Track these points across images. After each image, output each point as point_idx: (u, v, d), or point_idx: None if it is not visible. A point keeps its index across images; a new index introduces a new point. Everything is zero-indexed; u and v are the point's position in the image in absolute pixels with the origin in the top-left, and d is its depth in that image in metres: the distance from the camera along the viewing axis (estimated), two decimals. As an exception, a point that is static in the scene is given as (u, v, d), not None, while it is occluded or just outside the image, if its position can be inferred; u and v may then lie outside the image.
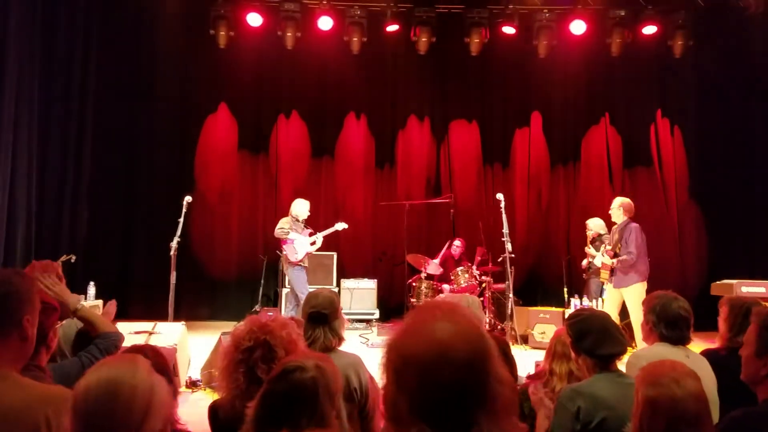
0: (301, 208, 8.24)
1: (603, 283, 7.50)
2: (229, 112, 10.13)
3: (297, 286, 8.05)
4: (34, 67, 8.30)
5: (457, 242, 9.40)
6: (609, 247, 7.20)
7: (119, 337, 2.68)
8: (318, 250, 8.43)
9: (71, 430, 1.42)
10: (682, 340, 2.96)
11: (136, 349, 2.33)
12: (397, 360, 1.18)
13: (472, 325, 1.20)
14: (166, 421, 1.51)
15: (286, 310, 8.22)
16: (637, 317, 6.72)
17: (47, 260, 3.53)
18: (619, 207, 7.23)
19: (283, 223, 8.14)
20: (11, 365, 1.79)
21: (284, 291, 8.84)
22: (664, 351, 2.84)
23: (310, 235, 8.19)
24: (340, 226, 8.54)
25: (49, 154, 8.63)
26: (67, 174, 8.92)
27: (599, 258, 7.32)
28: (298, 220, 8.18)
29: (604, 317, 2.78)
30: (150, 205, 9.55)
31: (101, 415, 1.41)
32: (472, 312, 1.27)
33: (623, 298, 6.95)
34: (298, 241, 8.06)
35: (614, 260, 6.99)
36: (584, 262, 8.12)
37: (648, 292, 3.00)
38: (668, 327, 2.96)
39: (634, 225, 7.07)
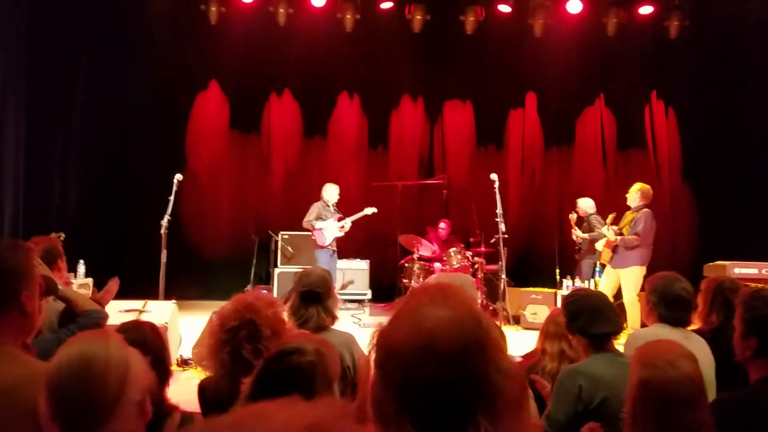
0: (331, 193, 8.36)
1: (596, 264, 7.52)
2: (220, 89, 10.01)
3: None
4: (21, 42, 8.14)
5: (442, 224, 9.39)
6: (615, 227, 7.21)
7: (102, 315, 2.64)
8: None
9: (46, 407, 1.41)
10: (682, 322, 2.95)
11: (135, 324, 2.30)
12: (379, 353, 1.05)
13: (466, 308, 1.06)
14: (144, 393, 1.49)
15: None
16: (630, 299, 6.74)
17: (48, 236, 3.47)
18: (638, 191, 7.25)
19: (311, 212, 8.24)
20: (13, 341, 1.77)
21: (276, 271, 8.80)
22: (663, 332, 2.83)
23: (339, 219, 8.27)
24: (369, 210, 8.51)
25: (37, 130, 8.50)
26: (55, 152, 8.81)
27: (605, 231, 7.28)
28: (328, 205, 8.31)
29: (599, 297, 2.78)
30: (140, 183, 9.43)
31: (75, 391, 1.39)
32: (468, 293, 1.13)
33: (620, 280, 6.98)
34: (327, 227, 8.18)
35: (618, 237, 7.02)
36: (577, 236, 8.05)
37: (646, 276, 2.99)
38: (668, 307, 2.94)
39: (647, 211, 7.10)
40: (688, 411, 1.76)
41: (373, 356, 1.06)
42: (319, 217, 8.20)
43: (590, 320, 2.57)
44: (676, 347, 1.91)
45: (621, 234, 7.06)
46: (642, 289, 7.12)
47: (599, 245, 7.44)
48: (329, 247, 8.19)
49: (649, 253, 6.99)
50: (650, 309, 3.02)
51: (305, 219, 8.25)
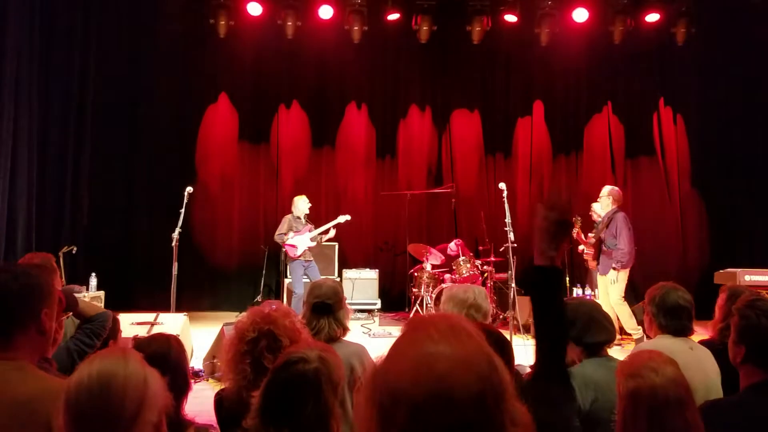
0: (300, 205, 8.44)
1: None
2: (229, 102, 10.08)
3: (293, 280, 8.29)
4: (34, 52, 8.25)
5: (452, 246, 9.33)
6: (592, 235, 7.32)
7: (106, 316, 2.66)
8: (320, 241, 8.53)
9: (63, 425, 1.41)
10: (683, 331, 2.92)
11: (162, 337, 2.37)
12: (383, 394, 0.93)
13: (477, 348, 0.95)
14: (161, 413, 1.49)
15: (287, 302, 8.26)
16: (615, 300, 6.84)
17: (44, 253, 3.52)
18: (608, 195, 7.28)
19: (283, 225, 8.35)
20: (29, 358, 1.80)
21: (286, 281, 8.86)
22: (667, 343, 2.82)
23: (311, 230, 8.36)
24: (343, 218, 8.53)
25: (49, 144, 8.59)
26: (67, 165, 8.88)
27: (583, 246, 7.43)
28: (299, 218, 8.38)
29: (592, 306, 2.78)
30: (151, 195, 9.52)
31: (93, 409, 1.40)
32: (475, 329, 1.00)
33: (606, 285, 7.05)
34: (298, 240, 8.26)
35: (604, 246, 7.10)
36: (580, 248, 8.08)
37: (651, 283, 2.98)
38: (668, 317, 2.91)
39: (621, 215, 7.12)
40: (676, 412, 1.79)
41: (371, 396, 0.95)
42: (291, 230, 8.29)
43: (585, 329, 2.58)
44: (656, 355, 1.95)
45: (600, 241, 7.14)
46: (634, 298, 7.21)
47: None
48: (301, 258, 8.24)
49: (632, 255, 7.03)
50: (650, 320, 3.00)
51: (276, 233, 8.39)
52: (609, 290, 7.02)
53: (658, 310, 2.94)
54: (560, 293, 1.58)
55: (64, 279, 3.65)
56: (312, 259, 8.40)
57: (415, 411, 0.89)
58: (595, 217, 8.09)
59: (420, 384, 0.89)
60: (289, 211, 8.48)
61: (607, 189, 7.41)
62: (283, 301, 8.35)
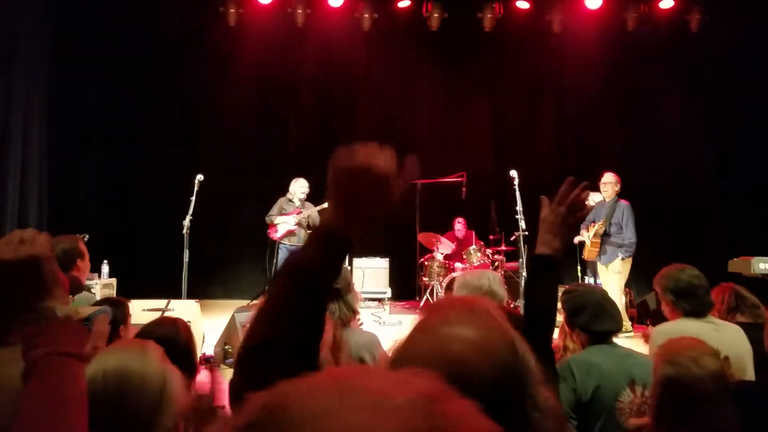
0: (292, 187, 8.31)
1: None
2: (239, 89, 10.06)
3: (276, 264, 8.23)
4: (44, 59, 8.28)
5: (458, 223, 9.35)
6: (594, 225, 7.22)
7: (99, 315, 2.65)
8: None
9: None
10: (704, 309, 2.86)
11: (170, 320, 2.39)
12: None
13: (498, 331, 0.91)
14: (178, 417, 1.37)
15: None
16: (616, 291, 6.78)
17: (72, 236, 3.53)
18: (615, 183, 7.21)
19: (274, 207, 8.30)
20: None
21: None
22: (690, 325, 2.78)
23: (299, 213, 8.26)
24: (320, 207, 8.32)
25: (59, 133, 8.64)
26: (78, 153, 8.92)
27: (586, 235, 7.33)
28: (292, 200, 8.29)
29: (601, 294, 2.77)
30: (162, 183, 9.54)
31: (105, 410, 1.28)
32: (498, 312, 0.95)
33: (609, 273, 7.00)
34: (284, 221, 8.21)
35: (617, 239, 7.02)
36: (576, 239, 7.95)
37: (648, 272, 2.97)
38: (685, 299, 2.86)
39: (626, 204, 7.06)
40: (712, 408, 1.76)
41: None
42: (281, 212, 8.23)
43: (592, 317, 2.57)
44: (699, 344, 1.91)
45: (606, 233, 7.07)
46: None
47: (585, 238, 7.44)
48: (285, 241, 8.16)
49: (634, 244, 6.98)
50: (671, 309, 2.94)
51: (268, 214, 8.32)
52: (611, 279, 6.95)
53: (674, 295, 2.89)
54: (555, 283, 1.57)
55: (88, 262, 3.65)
56: (299, 244, 7.78)
57: None
58: (591, 204, 8.00)
59: (434, 366, 0.83)
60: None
61: (611, 176, 7.32)
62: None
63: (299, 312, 1.01)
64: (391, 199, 1.12)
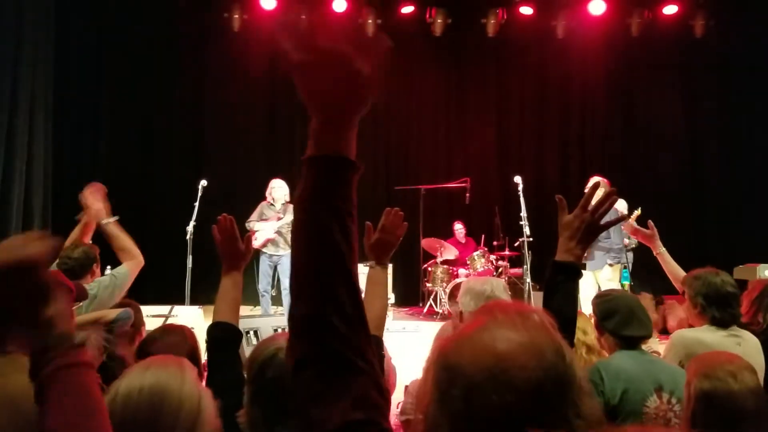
0: (276, 192, 7.50)
1: (623, 267, 7.41)
2: (243, 95, 10.07)
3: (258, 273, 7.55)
4: (49, 51, 8.30)
5: (457, 226, 9.33)
6: None
7: (127, 318, 2.63)
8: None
9: None
10: (733, 320, 2.77)
11: (176, 327, 2.39)
12: (439, 372, 0.90)
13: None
14: None
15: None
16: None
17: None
18: (604, 187, 7.11)
19: (255, 212, 7.55)
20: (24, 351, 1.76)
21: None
22: (713, 335, 2.73)
23: (278, 219, 7.39)
24: None
25: (65, 134, 8.67)
26: (82, 155, 8.95)
27: None
28: (273, 204, 7.50)
29: (633, 299, 2.73)
30: (165, 188, 9.54)
31: (141, 425, 1.24)
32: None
33: (598, 282, 6.90)
34: (263, 228, 7.36)
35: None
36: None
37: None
38: (716, 307, 2.76)
39: (614, 209, 6.96)
40: (750, 424, 1.73)
41: (431, 375, 0.92)
42: (261, 218, 7.43)
43: (623, 322, 2.55)
44: (736, 359, 1.88)
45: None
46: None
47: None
48: (265, 251, 7.39)
49: (622, 250, 6.92)
50: (699, 313, 2.82)
51: (248, 220, 7.40)
52: (601, 286, 6.86)
53: (704, 299, 2.76)
54: (576, 292, 1.55)
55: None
56: (284, 253, 7.33)
57: (470, 390, 0.85)
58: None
59: (477, 362, 0.87)
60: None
61: (599, 180, 7.26)
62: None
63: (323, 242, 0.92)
64: (372, 84, 0.96)
